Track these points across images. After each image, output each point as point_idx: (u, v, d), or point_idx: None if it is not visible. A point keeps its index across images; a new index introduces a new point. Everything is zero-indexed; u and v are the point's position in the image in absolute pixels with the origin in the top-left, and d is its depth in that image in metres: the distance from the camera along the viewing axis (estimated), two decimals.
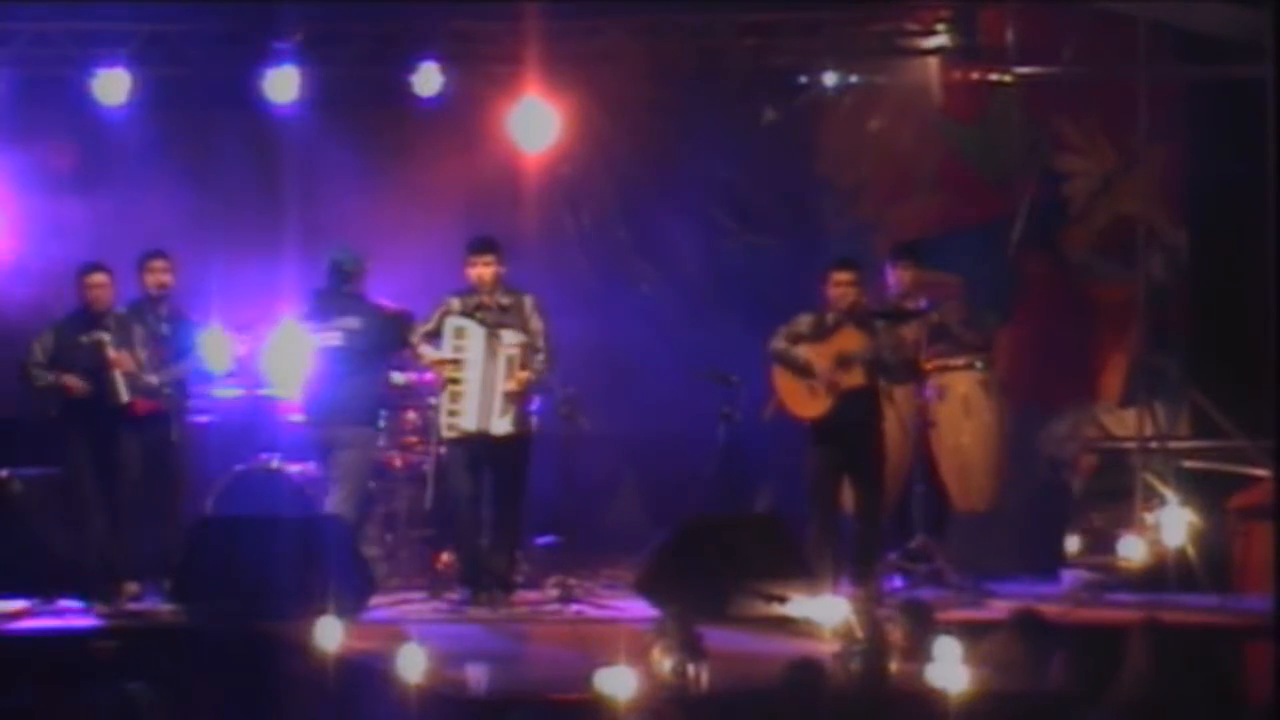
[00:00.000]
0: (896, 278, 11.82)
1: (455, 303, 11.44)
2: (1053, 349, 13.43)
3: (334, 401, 11.60)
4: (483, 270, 11.42)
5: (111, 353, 11.29)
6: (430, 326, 11.47)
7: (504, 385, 11.27)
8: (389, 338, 11.75)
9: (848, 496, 11.33)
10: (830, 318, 11.36)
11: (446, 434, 11.39)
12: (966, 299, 12.33)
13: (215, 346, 11.49)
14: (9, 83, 12.86)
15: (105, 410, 11.28)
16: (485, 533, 11.40)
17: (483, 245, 11.50)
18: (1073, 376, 13.48)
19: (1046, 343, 13.41)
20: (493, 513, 11.41)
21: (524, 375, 11.31)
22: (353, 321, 11.68)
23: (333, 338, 11.63)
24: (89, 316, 11.42)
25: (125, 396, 11.30)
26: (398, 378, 12.03)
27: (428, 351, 11.44)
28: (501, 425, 11.30)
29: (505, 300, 11.46)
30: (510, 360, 11.30)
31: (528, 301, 11.49)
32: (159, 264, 11.57)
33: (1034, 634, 8.52)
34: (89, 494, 11.31)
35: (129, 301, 11.58)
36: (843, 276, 11.34)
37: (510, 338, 11.33)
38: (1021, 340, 13.31)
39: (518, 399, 11.31)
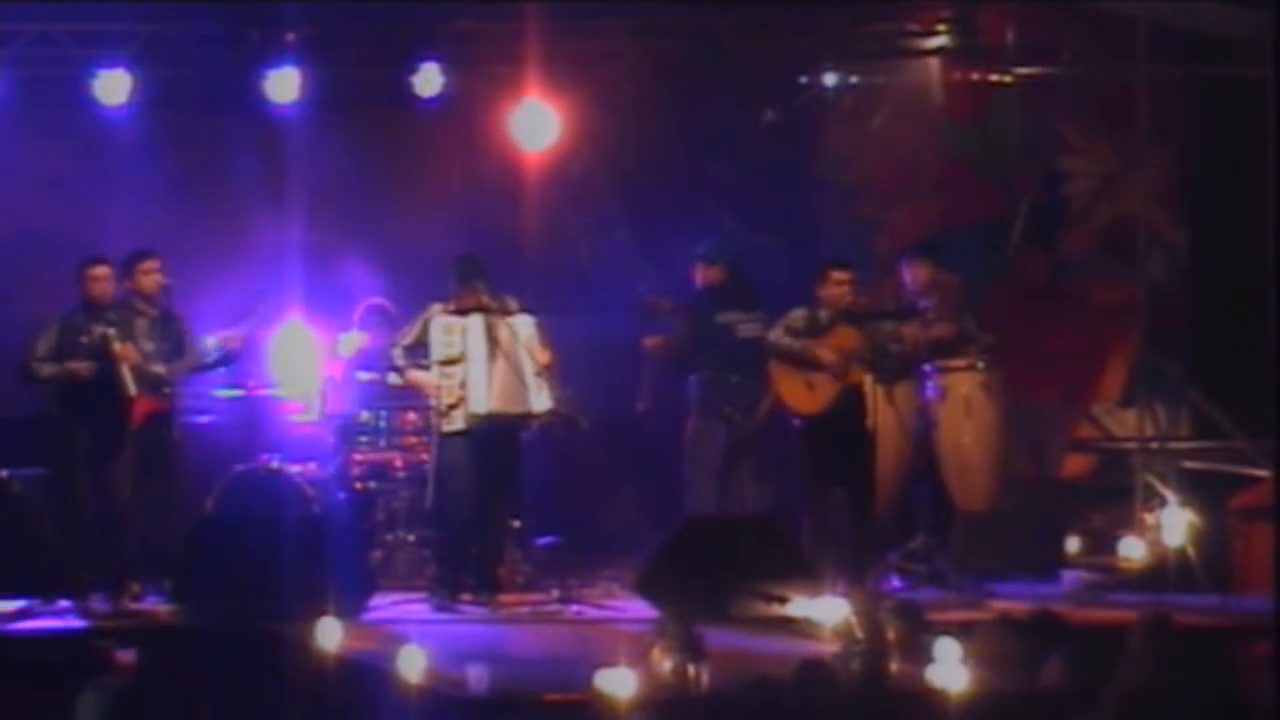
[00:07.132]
0: (913, 275, 11.82)
1: (438, 306, 11.41)
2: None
3: (753, 389, 11.85)
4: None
5: (117, 345, 11.23)
6: (413, 337, 11.39)
7: (533, 364, 11.23)
8: None
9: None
10: (824, 315, 11.42)
11: (448, 427, 11.28)
12: (964, 299, 12.31)
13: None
14: (9, 83, 12.87)
15: (109, 407, 11.24)
16: (476, 533, 11.36)
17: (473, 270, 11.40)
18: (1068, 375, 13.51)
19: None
20: (485, 508, 11.31)
21: (547, 355, 11.29)
22: (764, 314, 11.94)
23: (760, 329, 11.83)
24: (91, 310, 11.37)
25: (133, 390, 11.23)
26: (396, 379, 12.01)
27: (417, 376, 11.37)
28: (541, 401, 11.27)
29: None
30: (531, 339, 11.27)
31: (512, 305, 11.47)
32: (151, 264, 11.46)
33: (1051, 635, 8.54)
34: (88, 493, 11.30)
35: (119, 300, 11.52)
36: (841, 275, 11.49)
37: (525, 321, 11.30)
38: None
39: (549, 373, 11.27)
